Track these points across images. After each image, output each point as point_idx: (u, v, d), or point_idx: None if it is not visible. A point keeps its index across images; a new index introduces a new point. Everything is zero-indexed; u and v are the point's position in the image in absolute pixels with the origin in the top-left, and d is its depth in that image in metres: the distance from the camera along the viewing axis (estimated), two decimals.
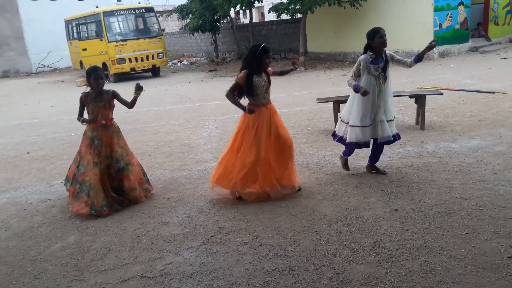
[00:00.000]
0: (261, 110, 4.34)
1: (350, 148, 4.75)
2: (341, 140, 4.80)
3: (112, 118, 4.60)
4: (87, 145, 4.50)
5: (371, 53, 4.43)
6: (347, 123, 4.67)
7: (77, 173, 4.50)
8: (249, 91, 4.28)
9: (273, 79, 4.53)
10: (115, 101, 4.60)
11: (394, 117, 4.71)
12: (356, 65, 4.51)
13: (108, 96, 4.51)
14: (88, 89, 4.54)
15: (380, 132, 4.58)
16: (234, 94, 4.35)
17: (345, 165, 4.94)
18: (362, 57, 4.46)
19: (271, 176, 4.37)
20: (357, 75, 4.53)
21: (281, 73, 4.69)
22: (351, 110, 4.63)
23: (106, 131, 4.53)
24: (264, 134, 4.30)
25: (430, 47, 4.41)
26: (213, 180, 4.48)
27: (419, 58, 4.44)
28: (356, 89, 4.42)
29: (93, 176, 4.39)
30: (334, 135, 4.93)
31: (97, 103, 4.47)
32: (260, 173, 4.33)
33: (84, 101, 4.48)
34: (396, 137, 4.70)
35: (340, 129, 4.82)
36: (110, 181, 4.55)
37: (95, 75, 4.40)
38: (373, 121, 4.55)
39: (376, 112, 4.53)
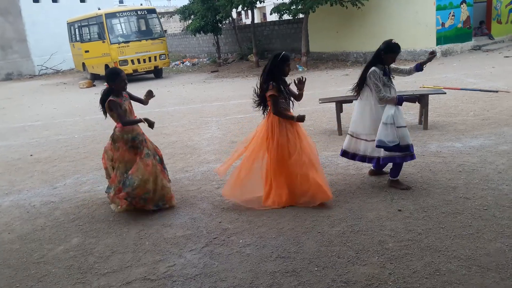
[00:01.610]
0: (288, 122, 4.22)
1: (405, 158, 4.29)
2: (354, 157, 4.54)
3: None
4: (128, 149, 4.35)
5: (381, 65, 4.26)
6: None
7: (124, 178, 4.34)
8: (286, 100, 4.19)
9: None
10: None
11: None
12: (374, 78, 4.19)
13: (127, 95, 4.47)
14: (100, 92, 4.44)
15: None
16: (280, 108, 4.15)
17: (403, 185, 4.44)
18: (376, 69, 4.22)
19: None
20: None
21: (295, 97, 4.35)
22: (393, 117, 4.19)
23: (139, 127, 4.46)
24: (297, 139, 4.19)
25: (430, 58, 4.38)
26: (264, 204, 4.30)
27: (420, 67, 4.39)
28: (401, 102, 4.17)
29: (142, 166, 4.26)
30: (371, 161, 4.53)
31: (125, 101, 4.38)
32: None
33: (118, 104, 4.29)
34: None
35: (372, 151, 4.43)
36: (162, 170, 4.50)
37: (121, 78, 4.28)
38: None
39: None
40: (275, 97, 4.10)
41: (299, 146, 4.15)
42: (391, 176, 4.48)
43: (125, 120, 4.29)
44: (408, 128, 6.43)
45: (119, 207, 4.43)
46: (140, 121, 4.26)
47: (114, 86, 4.30)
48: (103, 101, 4.33)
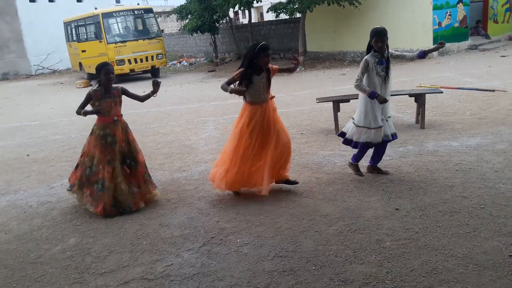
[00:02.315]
0: (257, 108, 4.36)
1: (363, 149, 4.66)
2: (353, 143, 4.67)
3: (121, 114, 4.59)
4: (97, 145, 4.45)
5: (376, 53, 4.34)
6: (362, 126, 4.53)
7: (91, 173, 4.45)
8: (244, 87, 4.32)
9: (274, 78, 4.51)
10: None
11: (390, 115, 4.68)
12: (362, 65, 4.35)
13: (118, 92, 4.50)
14: (94, 86, 4.51)
15: (386, 130, 4.56)
16: (227, 85, 4.32)
17: (358, 170, 4.82)
18: (368, 57, 4.36)
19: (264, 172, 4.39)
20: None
21: (289, 70, 4.59)
22: (364, 112, 4.48)
23: (117, 127, 4.51)
24: (258, 131, 4.34)
25: (438, 47, 4.40)
26: (223, 185, 4.47)
27: (424, 54, 4.43)
28: (373, 97, 4.29)
29: (106, 174, 4.37)
30: (345, 139, 4.79)
31: (107, 99, 4.43)
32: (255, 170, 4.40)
33: (94, 97, 4.41)
34: (394, 136, 4.68)
35: (351, 133, 4.68)
36: (127, 175, 4.53)
37: (106, 70, 4.37)
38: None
39: (381, 111, 4.50)
40: (233, 78, 4.30)
41: (254, 142, 4.35)
42: (352, 159, 4.84)
43: (77, 110, 4.46)
44: (405, 127, 6.51)
45: (95, 211, 4.44)
46: (93, 112, 4.41)
47: (100, 79, 4.40)
48: None
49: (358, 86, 4.36)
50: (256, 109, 4.36)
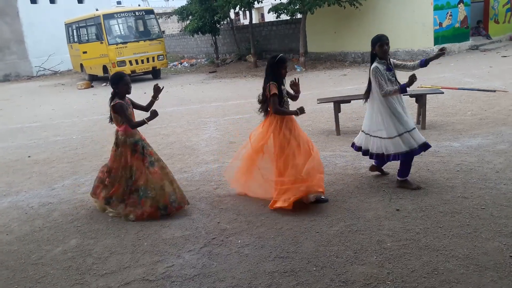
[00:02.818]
0: (287, 118, 4.30)
1: (408, 160, 4.31)
2: (391, 157, 4.31)
3: None
4: (132, 153, 4.33)
5: (382, 60, 4.26)
6: (395, 136, 4.23)
7: (130, 183, 4.35)
8: (283, 100, 4.27)
9: None
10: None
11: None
12: (377, 73, 4.19)
13: (129, 100, 4.45)
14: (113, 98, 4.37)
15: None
16: (280, 106, 4.22)
17: (412, 184, 4.39)
18: (377, 66, 4.22)
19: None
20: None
21: (291, 97, 4.44)
22: (390, 121, 4.23)
23: (139, 132, 4.46)
24: (295, 139, 4.26)
25: (439, 54, 4.34)
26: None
27: (425, 62, 4.34)
28: (405, 88, 4.11)
29: (153, 176, 4.27)
30: (376, 155, 4.46)
31: (129, 106, 4.39)
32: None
33: (126, 106, 4.29)
34: (427, 145, 4.39)
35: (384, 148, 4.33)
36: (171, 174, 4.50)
37: (125, 81, 4.27)
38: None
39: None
40: (276, 95, 4.16)
41: (297, 142, 4.23)
42: (399, 176, 4.44)
43: (133, 123, 4.28)
44: None
45: (133, 217, 4.34)
46: (143, 122, 4.24)
47: (118, 90, 4.28)
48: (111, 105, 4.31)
49: (387, 92, 4.14)
50: (287, 120, 4.28)
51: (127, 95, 4.40)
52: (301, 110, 4.20)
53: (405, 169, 4.40)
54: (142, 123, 4.25)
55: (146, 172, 4.30)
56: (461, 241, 3.32)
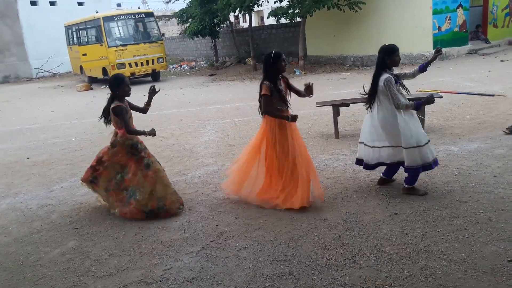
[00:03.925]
0: (283, 123, 4.29)
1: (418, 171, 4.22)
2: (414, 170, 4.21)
3: None
4: (127, 154, 4.37)
5: (390, 71, 4.16)
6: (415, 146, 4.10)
7: (121, 180, 4.40)
8: (282, 99, 4.24)
9: None
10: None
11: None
12: (390, 86, 4.04)
13: (127, 102, 4.46)
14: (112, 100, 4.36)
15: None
16: (271, 107, 4.21)
17: (419, 190, 4.35)
18: (388, 77, 4.07)
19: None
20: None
21: (297, 93, 4.44)
22: (410, 132, 4.10)
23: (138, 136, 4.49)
24: (294, 140, 4.27)
25: (436, 56, 4.30)
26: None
27: (424, 67, 4.33)
28: (420, 106, 4.07)
29: (143, 179, 4.31)
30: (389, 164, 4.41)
31: (128, 109, 4.40)
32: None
33: (125, 109, 4.29)
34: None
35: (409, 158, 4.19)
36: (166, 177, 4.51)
37: (126, 83, 4.27)
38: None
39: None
40: (266, 96, 4.18)
41: (293, 147, 4.24)
42: (406, 183, 4.37)
43: (130, 128, 4.28)
44: None
45: (118, 212, 4.43)
46: (143, 133, 4.26)
47: (119, 92, 4.28)
48: (107, 108, 4.29)
49: (403, 105, 4.02)
50: (283, 124, 4.27)
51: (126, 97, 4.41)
52: (293, 118, 4.18)
53: (414, 176, 4.31)
54: (141, 133, 4.28)
55: (139, 175, 4.33)
56: (458, 246, 3.32)
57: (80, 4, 28.36)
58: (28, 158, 7.26)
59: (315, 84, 4.54)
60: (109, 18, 17.52)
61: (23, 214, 4.81)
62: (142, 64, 17.48)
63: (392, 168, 4.50)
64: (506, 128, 6.01)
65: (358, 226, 3.78)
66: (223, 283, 3.13)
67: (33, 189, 5.62)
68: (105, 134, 8.01)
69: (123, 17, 18.05)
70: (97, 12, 18.43)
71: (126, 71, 16.97)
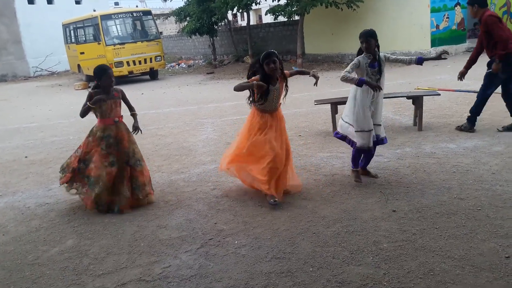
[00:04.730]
0: (266, 117, 4.36)
1: (358, 154, 4.60)
2: (344, 138, 4.70)
3: (122, 116, 4.61)
4: (96, 147, 4.50)
5: (368, 54, 4.33)
6: (352, 125, 4.52)
7: (84, 167, 4.51)
8: (261, 95, 4.31)
9: None
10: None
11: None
12: (354, 62, 4.33)
13: (118, 93, 4.53)
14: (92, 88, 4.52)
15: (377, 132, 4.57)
16: (238, 85, 4.32)
17: (358, 177, 4.66)
18: (360, 57, 4.35)
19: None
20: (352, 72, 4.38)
21: (302, 72, 4.86)
22: (354, 114, 4.48)
23: (118, 129, 4.55)
24: (273, 136, 4.33)
25: (440, 58, 4.46)
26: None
27: (422, 60, 4.42)
28: (362, 83, 4.25)
29: (106, 176, 4.40)
30: (337, 133, 4.86)
31: (107, 100, 4.44)
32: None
33: (92, 96, 4.40)
34: (384, 140, 4.65)
35: (344, 130, 4.71)
36: (127, 178, 4.56)
37: (108, 75, 4.39)
38: None
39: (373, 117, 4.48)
40: (248, 77, 4.36)
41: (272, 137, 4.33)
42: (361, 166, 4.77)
43: (80, 112, 4.49)
44: (403, 129, 6.53)
45: (83, 203, 4.56)
46: (88, 106, 4.36)
47: (101, 82, 4.40)
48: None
49: (344, 77, 4.31)
50: (266, 118, 4.36)
51: (120, 87, 4.56)
52: (258, 85, 4.17)
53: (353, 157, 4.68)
54: (87, 109, 4.42)
55: (102, 168, 4.42)
56: (457, 242, 3.33)
57: (77, 2, 28.30)
58: (26, 156, 7.24)
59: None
60: (106, 17, 17.48)
61: (21, 212, 4.81)
62: (140, 62, 17.46)
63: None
64: (502, 127, 6.04)
65: (356, 224, 3.78)
66: (222, 280, 3.13)
67: (31, 188, 5.61)
68: None
69: (121, 15, 18.01)
70: (94, 11, 18.44)
71: (124, 70, 16.98)
